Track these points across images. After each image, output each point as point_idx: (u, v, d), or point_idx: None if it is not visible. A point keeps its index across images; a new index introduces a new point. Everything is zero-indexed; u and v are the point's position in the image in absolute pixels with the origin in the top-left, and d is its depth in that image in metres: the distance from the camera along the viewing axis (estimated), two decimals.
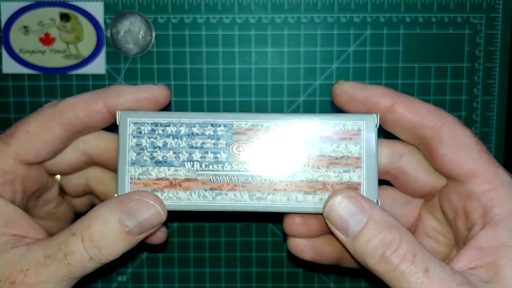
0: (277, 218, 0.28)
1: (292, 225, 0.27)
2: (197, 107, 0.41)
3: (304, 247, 0.28)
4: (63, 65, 0.41)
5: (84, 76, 0.41)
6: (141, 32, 0.40)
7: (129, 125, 0.25)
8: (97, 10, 0.40)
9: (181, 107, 0.41)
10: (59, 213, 0.30)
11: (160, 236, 0.29)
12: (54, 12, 0.40)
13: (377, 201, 0.24)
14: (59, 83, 0.41)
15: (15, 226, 0.24)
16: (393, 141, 0.27)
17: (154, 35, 0.41)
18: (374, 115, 0.25)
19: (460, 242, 0.25)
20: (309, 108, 0.41)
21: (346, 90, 0.26)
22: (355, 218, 0.22)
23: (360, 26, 0.41)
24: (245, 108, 0.41)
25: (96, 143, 0.27)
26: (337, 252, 0.28)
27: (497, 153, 0.42)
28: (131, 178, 0.25)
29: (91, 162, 0.28)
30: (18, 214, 0.24)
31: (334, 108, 0.28)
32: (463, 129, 0.24)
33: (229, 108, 0.41)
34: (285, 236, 0.30)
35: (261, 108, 0.41)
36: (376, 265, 0.22)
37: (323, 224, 0.26)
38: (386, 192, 0.28)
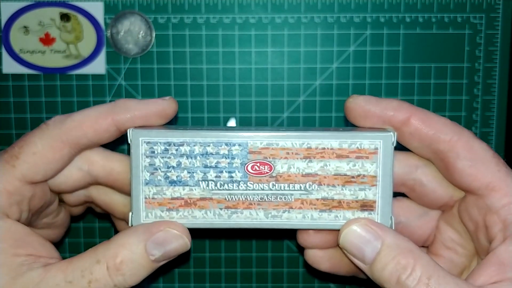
0: (292, 234, 0.28)
1: (305, 235, 0.27)
2: (197, 107, 0.41)
3: (320, 258, 0.28)
4: (63, 65, 0.41)
5: (84, 76, 0.41)
6: (141, 32, 0.40)
7: (142, 145, 0.24)
8: (97, 10, 0.40)
9: (181, 107, 0.41)
10: (58, 222, 0.29)
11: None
12: (54, 12, 0.40)
13: (391, 218, 0.25)
14: (59, 83, 0.41)
15: (27, 245, 0.24)
16: (408, 153, 0.27)
17: (154, 35, 0.41)
18: (391, 133, 0.24)
19: (481, 253, 0.25)
20: (309, 108, 0.41)
21: (361, 104, 0.25)
22: (370, 245, 0.23)
23: (360, 26, 0.41)
24: (245, 108, 0.41)
25: (103, 165, 0.27)
26: (353, 267, 0.28)
27: (497, 153, 0.42)
28: (146, 198, 0.25)
29: (95, 183, 0.28)
30: (27, 233, 0.24)
31: (347, 121, 0.27)
32: (479, 142, 0.24)
33: (229, 107, 0.41)
34: (300, 251, 0.30)
35: (261, 108, 0.41)
36: None
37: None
38: (402, 204, 0.28)
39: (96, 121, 0.25)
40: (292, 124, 0.41)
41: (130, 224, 0.25)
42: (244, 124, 0.42)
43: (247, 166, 0.24)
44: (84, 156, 0.27)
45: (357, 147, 0.24)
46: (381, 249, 0.23)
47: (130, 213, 0.25)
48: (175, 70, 0.41)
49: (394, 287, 0.22)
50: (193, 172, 0.24)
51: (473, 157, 0.24)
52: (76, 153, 0.26)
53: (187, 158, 0.24)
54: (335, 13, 0.41)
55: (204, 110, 0.41)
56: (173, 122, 0.41)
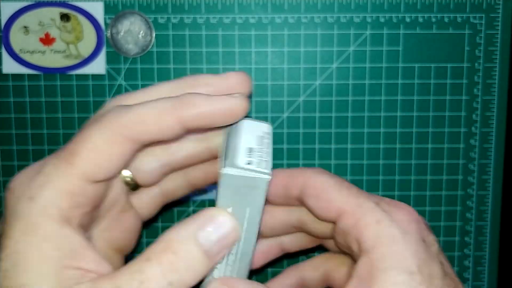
0: None
1: None
2: None
3: None
4: (63, 65, 0.41)
5: (84, 76, 0.41)
6: (141, 32, 0.40)
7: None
8: (97, 10, 0.40)
9: None
10: (125, 222, 0.27)
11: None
12: (54, 12, 0.40)
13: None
14: (59, 83, 0.41)
15: (81, 259, 0.22)
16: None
17: (154, 35, 0.41)
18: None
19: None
20: (309, 108, 0.41)
21: None
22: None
23: (360, 26, 0.41)
24: None
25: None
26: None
27: (497, 153, 0.42)
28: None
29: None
30: (83, 245, 0.22)
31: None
32: (319, 176, 0.26)
33: None
34: None
35: (261, 108, 0.41)
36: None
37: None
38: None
39: (160, 116, 0.22)
40: (292, 124, 0.41)
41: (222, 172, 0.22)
42: None
43: None
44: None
45: None
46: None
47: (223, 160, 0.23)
48: (175, 70, 0.41)
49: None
50: None
51: (317, 192, 0.25)
52: (138, 149, 0.23)
53: None
54: (335, 13, 0.41)
55: None
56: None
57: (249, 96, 0.25)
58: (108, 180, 0.23)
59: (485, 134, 0.42)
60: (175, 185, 0.28)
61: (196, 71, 0.41)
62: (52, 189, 0.21)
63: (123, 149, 0.22)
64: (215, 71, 0.41)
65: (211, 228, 0.22)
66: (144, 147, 0.24)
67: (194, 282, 0.22)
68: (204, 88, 0.24)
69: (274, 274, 0.43)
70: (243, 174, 0.22)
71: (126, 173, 0.26)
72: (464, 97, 0.42)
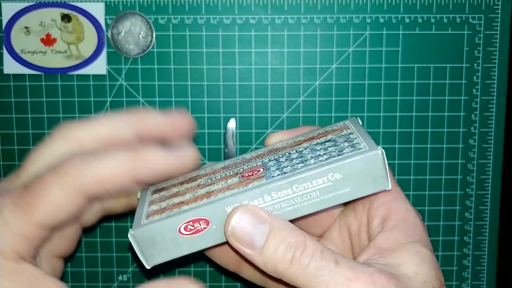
0: None
1: None
2: (198, 107, 0.41)
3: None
4: (64, 65, 0.41)
5: (85, 77, 0.41)
6: (142, 32, 0.41)
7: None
8: (98, 11, 0.40)
9: (182, 107, 0.41)
10: (69, 233, 0.28)
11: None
12: (55, 12, 0.40)
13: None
14: (60, 84, 0.41)
15: None
16: None
17: (154, 35, 0.41)
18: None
19: (358, 251, 0.28)
20: (309, 108, 0.42)
21: (279, 139, 0.28)
22: (258, 229, 0.23)
23: (359, 26, 0.41)
24: (245, 108, 0.41)
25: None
26: (237, 257, 0.28)
27: (495, 153, 0.42)
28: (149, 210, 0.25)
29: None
30: (41, 276, 0.24)
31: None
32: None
33: (229, 108, 0.41)
34: None
35: (261, 108, 0.42)
36: (287, 269, 0.22)
37: None
38: None
39: (117, 176, 0.23)
40: (292, 124, 0.42)
41: (130, 238, 0.24)
42: (245, 124, 0.42)
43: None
44: None
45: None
46: (270, 231, 0.23)
47: (130, 228, 0.25)
48: (175, 71, 0.41)
49: (289, 266, 0.22)
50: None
51: None
52: (94, 203, 0.25)
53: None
54: (335, 14, 0.41)
55: (205, 110, 0.42)
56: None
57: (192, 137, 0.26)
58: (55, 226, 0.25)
59: (484, 134, 0.42)
60: (116, 203, 0.29)
61: (197, 72, 0.41)
62: (10, 234, 0.23)
63: (79, 202, 0.24)
64: (215, 72, 0.41)
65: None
66: (100, 200, 0.26)
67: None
68: (152, 128, 0.25)
69: None
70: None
71: None
72: (463, 97, 0.42)
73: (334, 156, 0.24)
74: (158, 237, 0.24)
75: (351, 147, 0.24)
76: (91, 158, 0.24)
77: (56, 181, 0.23)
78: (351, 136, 0.25)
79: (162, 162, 0.24)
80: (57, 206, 0.23)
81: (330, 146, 0.25)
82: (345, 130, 0.26)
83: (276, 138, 0.28)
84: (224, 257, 0.29)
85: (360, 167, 0.23)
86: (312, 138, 0.26)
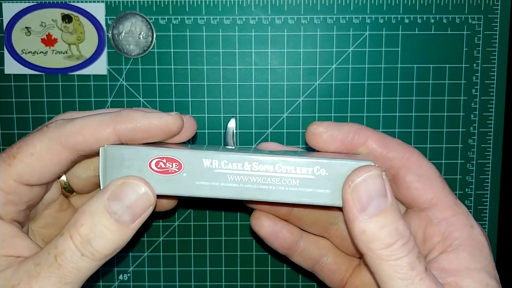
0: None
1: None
2: (198, 107, 0.41)
3: (264, 222, 0.29)
4: (65, 65, 0.41)
5: (86, 77, 0.41)
6: (142, 33, 0.41)
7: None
8: (99, 11, 0.41)
9: (182, 108, 0.41)
10: (65, 219, 0.28)
11: (166, 202, 0.28)
12: (55, 13, 0.40)
13: None
14: (60, 84, 0.41)
15: (10, 247, 0.23)
16: None
17: (155, 36, 0.41)
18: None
19: None
20: (309, 108, 0.42)
21: (325, 130, 0.26)
22: (378, 200, 0.22)
23: (359, 27, 0.41)
24: (245, 108, 0.42)
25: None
26: (291, 242, 0.29)
27: (494, 153, 0.42)
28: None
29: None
30: (14, 234, 0.24)
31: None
32: (428, 162, 0.26)
33: (230, 108, 0.42)
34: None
35: (262, 109, 0.42)
36: (380, 250, 0.22)
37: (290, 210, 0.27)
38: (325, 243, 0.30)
39: (97, 128, 0.24)
40: (292, 124, 0.42)
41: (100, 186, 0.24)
42: (245, 124, 0.42)
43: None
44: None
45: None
46: (387, 208, 0.22)
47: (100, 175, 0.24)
48: (175, 71, 0.41)
49: (384, 248, 0.22)
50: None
51: (421, 173, 0.25)
52: (75, 160, 0.25)
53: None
54: (335, 14, 0.41)
55: (205, 110, 0.42)
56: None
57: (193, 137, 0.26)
58: (42, 185, 0.25)
59: (483, 134, 0.42)
60: None
61: (197, 72, 0.41)
62: None
63: (60, 157, 0.24)
64: (215, 72, 0.41)
65: (120, 194, 0.23)
66: (82, 158, 0.25)
67: (110, 251, 0.23)
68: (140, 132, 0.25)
69: (275, 272, 0.43)
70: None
71: (62, 178, 0.28)
72: (462, 97, 0.42)
73: (328, 157, 0.24)
74: (127, 162, 0.24)
75: (349, 157, 0.25)
76: (76, 118, 0.24)
77: (38, 136, 0.24)
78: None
79: (143, 119, 0.24)
80: (37, 159, 0.23)
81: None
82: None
83: (320, 129, 0.26)
84: (278, 240, 0.29)
85: (349, 172, 0.23)
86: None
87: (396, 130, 0.42)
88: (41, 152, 0.23)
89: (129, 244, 0.24)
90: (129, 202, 0.23)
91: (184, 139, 0.26)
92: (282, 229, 0.29)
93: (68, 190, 0.28)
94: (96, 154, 0.25)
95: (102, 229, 0.22)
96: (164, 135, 0.25)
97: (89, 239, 0.22)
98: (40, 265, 0.22)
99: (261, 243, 0.43)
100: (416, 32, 0.41)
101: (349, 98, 0.42)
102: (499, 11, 0.41)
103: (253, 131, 0.42)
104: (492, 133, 0.42)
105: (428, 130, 0.42)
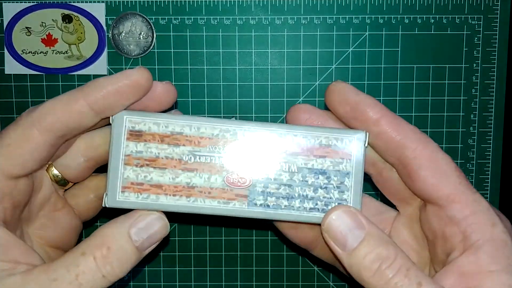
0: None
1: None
2: (198, 107, 0.42)
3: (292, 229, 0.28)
4: (65, 65, 0.41)
5: (86, 77, 0.41)
6: (142, 33, 0.41)
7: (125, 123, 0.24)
8: (99, 11, 0.41)
9: (182, 108, 0.41)
10: (60, 220, 0.28)
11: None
12: (56, 13, 0.40)
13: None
14: (61, 84, 0.41)
15: (7, 252, 0.23)
16: None
17: (155, 36, 0.41)
18: (364, 133, 0.25)
19: (436, 264, 0.25)
20: None
21: (342, 90, 0.26)
22: (354, 233, 0.23)
23: (359, 27, 0.41)
24: (245, 108, 0.42)
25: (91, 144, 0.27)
26: (312, 237, 0.28)
27: (494, 153, 0.42)
28: (124, 179, 0.24)
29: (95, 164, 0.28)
30: (8, 239, 0.23)
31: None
32: (443, 154, 0.25)
33: (230, 108, 0.42)
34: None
35: (262, 109, 0.42)
36: (370, 278, 0.22)
37: None
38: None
39: (67, 104, 0.23)
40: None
41: (103, 204, 0.24)
42: None
43: (226, 178, 0.24)
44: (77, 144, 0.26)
45: (331, 147, 0.25)
46: (364, 238, 0.23)
47: (105, 194, 0.24)
48: (176, 71, 0.41)
49: (372, 275, 0.22)
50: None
51: (436, 167, 0.24)
52: (54, 141, 0.24)
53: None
54: (335, 14, 0.41)
55: (205, 110, 0.42)
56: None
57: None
58: (27, 175, 0.24)
59: (483, 134, 0.42)
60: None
61: (197, 72, 0.41)
62: None
63: (38, 142, 0.23)
64: (215, 72, 0.41)
65: (143, 225, 0.24)
66: (62, 139, 0.25)
67: (124, 273, 0.23)
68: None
69: (275, 272, 0.43)
70: None
71: (54, 171, 0.27)
72: (462, 98, 0.42)
73: (317, 210, 0.25)
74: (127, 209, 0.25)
75: (338, 195, 0.25)
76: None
77: (11, 125, 0.24)
78: (346, 179, 0.25)
79: (110, 82, 0.23)
80: (14, 148, 0.23)
81: (321, 187, 0.25)
82: (345, 162, 0.25)
83: (303, 111, 0.27)
84: (299, 236, 0.29)
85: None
86: (312, 151, 0.25)
87: None
88: (17, 140, 0.23)
89: None
90: (149, 232, 0.24)
91: (165, 104, 0.25)
92: (302, 224, 0.28)
93: (62, 183, 0.28)
94: (77, 134, 0.25)
95: (124, 253, 0.23)
96: (137, 91, 0.24)
97: (111, 262, 0.23)
98: (57, 281, 0.22)
99: (260, 243, 0.43)
100: (416, 32, 0.41)
101: None
102: (499, 11, 0.41)
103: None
104: (492, 133, 0.42)
105: (428, 130, 0.42)
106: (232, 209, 0.24)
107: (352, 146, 0.25)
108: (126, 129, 0.24)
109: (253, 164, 0.25)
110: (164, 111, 0.26)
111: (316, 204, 0.25)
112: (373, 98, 0.26)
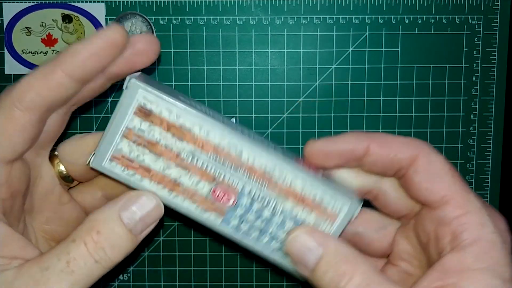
0: None
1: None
2: None
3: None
4: None
5: None
6: (142, 33, 0.41)
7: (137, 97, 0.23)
8: (99, 11, 0.41)
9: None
10: (66, 214, 0.27)
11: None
12: (56, 13, 0.41)
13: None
14: None
15: (4, 247, 0.22)
16: None
17: (155, 36, 0.41)
18: (358, 205, 0.25)
19: (432, 265, 0.25)
20: (309, 108, 0.42)
21: (320, 148, 0.26)
22: (312, 252, 0.23)
23: (359, 27, 0.41)
24: (245, 108, 0.42)
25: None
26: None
27: (494, 153, 0.42)
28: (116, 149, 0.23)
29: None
30: (6, 233, 0.23)
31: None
32: (437, 156, 0.25)
33: (230, 108, 0.42)
34: None
35: (262, 108, 0.42)
36: None
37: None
38: (363, 216, 0.28)
39: (44, 77, 0.22)
40: (292, 124, 0.42)
41: (87, 163, 0.24)
42: (245, 124, 0.42)
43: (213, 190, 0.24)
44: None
45: (319, 204, 0.25)
46: (322, 255, 0.23)
47: (93, 154, 0.23)
48: (175, 71, 0.41)
49: None
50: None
51: (430, 171, 0.24)
52: (40, 117, 0.23)
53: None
54: (335, 14, 0.41)
55: None
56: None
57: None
58: (20, 158, 0.24)
59: (483, 134, 0.42)
60: (119, 191, 0.27)
61: (197, 72, 0.41)
62: None
63: (23, 122, 0.22)
64: (215, 72, 0.41)
65: (135, 207, 0.23)
66: (47, 113, 0.24)
67: (120, 258, 0.23)
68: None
69: (276, 271, 0.43)
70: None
71: (60, 167, 0.27)
72: (462, 98, 0.42)
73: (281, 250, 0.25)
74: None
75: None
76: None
77: None
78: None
79: (85, 46, 0.22)
80: (2, 125, 0.22)
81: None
82: (328, 222, 0.25)
83: (316, 148, 0.26)
84: None
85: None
86: (303, 200, 0.25)
87: (396, 130, 0.42)
88: (1, 124, 0.22)
89: None
90: (142, 214, 0.23)
91: (151, 55, 0.24)
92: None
93: (67, 180, 0.27)
94: (63, 104, 0.24)
95: (116, 237, 0.23)
96: (114, 50, 0.23)
97: (103, 247, 0.22)
98: (49, 270, 0.21)
99: None
100: (416, 32, 0.41)
101: (349, 98, 0.42)
102: (499, 11, 0.41)
103: (253, 131, 0.42)
104: (492, 133, 0.42)
105: (428, 130, 0.42)
106: (206, 218, 0.24)
107: (342, 211, 0.25)
108: (138, 103, 0.23)
109: (245, 188, 0.24)
110: (182, 101, 0.24)
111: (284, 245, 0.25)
112: (350, 133, 0.26)
